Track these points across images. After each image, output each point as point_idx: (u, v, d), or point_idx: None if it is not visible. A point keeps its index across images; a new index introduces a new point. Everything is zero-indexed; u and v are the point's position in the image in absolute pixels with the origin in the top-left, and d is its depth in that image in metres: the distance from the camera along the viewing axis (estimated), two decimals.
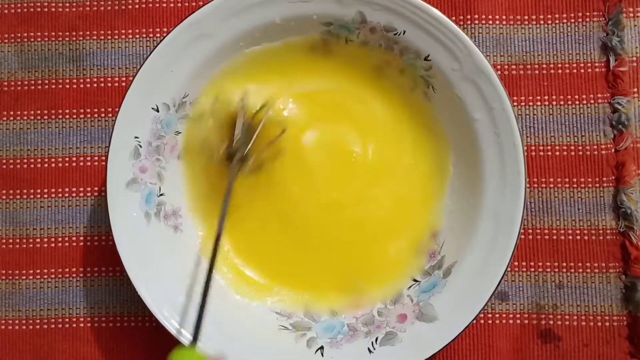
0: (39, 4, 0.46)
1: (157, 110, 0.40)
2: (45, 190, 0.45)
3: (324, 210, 0.42)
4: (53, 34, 0.46)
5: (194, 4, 0.46)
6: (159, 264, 0.40)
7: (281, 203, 0.42)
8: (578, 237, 0.43)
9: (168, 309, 0.39)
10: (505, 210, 0.39)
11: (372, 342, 0.40)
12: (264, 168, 0.42)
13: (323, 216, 0.42)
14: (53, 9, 0.46)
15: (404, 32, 0.40)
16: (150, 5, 0.46)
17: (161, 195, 0.41)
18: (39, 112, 0.46)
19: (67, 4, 0.46)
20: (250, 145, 0.41)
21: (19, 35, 0.46)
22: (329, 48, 0.42)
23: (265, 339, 0.40)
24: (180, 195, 0.42)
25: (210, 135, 0.42)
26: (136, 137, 0.40)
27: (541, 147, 0.44)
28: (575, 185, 0.43)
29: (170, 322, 0.39)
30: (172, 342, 0.39)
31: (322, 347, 0.40)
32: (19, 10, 0.47)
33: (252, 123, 0.42)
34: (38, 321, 0.44)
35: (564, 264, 0.43)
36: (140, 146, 0.40)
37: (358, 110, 0.43)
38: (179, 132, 0.42)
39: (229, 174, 0.40)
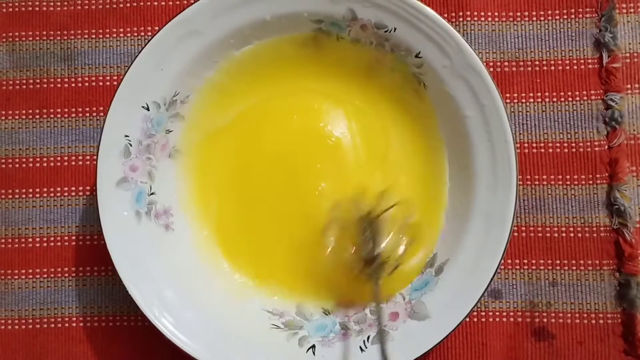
0: (30, 3, 0.46)
1: (148, 109, 0.40)
2: (37, 190, 0.45)
3: (315, 209, 0.42)
4: (44, 33, 0.46)
5: (185, 2, 0.46)
6: (150, 263, 0.40)
7: (271, 201, 0.42)
8: (572, 235, 0.43)
9: (159, 308, 0.39)
10: (497, 208, 0.39)
11: (364, 341, 0.39)
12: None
13: (315, 215, 0.42)
14: (44, 8, 0.46)
15: (395, 29, 0.40)
16: (142, 3, 0.46)
17: (152, 194, 0.41)
18: (30, 111, 0.46)
19: (59, 3, 0.46)
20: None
21: (10, 34, 0.46)
22: (320, 46, 0.42)
23: (256, 338, 0.40)
24: (172, 194, 0.42)
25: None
26: (126, 136, 0.40)
27: (534, 144, 0.44)
28: (568, 183, 0.43)
29: (160, 321, 0.39)
30: (164, 342, 0.39)
31: (313, 346, 0.40)
32: (10, 9, 0.46)
33: (373, 220, 0.39)
34: (30, 321, 0.44)
35: (558, 262, 0.43)
36: (131, 145, 0.40)
37: (349, 108, 0.43)
38: (170, 131, 0.42)
39: (372, 285, 0.39)
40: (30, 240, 0.45)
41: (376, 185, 0.41)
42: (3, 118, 0.46)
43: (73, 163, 0.45)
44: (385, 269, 0.39)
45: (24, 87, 0.46)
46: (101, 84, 0.45)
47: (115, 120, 0.39)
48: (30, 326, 0.44)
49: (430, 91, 0.41)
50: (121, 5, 0.46)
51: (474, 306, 0.38)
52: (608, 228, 0.43)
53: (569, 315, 0.42)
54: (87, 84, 0.46)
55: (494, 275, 0.38)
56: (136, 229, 0.40)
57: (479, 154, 0.39)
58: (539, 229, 0.43)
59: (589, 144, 0.43)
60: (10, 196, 0.45)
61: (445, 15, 0.44)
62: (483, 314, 0.43)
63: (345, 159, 0.42)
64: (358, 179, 0.42)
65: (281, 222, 0.42)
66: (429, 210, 0.42)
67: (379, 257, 0.38)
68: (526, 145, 0.44)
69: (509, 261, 0.43)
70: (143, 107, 0.40)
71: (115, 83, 0.45)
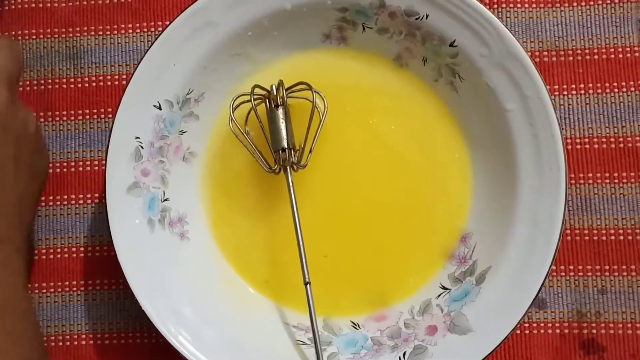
0: (33, 0, 0.44)
1: (160, 108, 0.37)
2: (43, 198, 0.42)
3: (341, 213, 0.39)
4: (49, 30, 0.44)
5: None
6: (165, 275, 0.37)
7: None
8: (621, 238, 0.40)
9: (174, 324, 0.36)
10: (544, 210, 0.36)
11: (400, 357, 0.36)
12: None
13: (341, 219, 0.39)
14: (48, 5, 0.44)
15: (427, 16, 0.37)
16: None
17: (165, 200, 0.38)
18: (34, 114, 0.43)
19: None
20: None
21: (13, 33, 0.44)
22: (345, 36, 0.39)
23: (281, 355, 0.37)
24: (187, 201, 0.39)
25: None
26: (137, 138, 0.37)
27: (578, 140, 0.41)
28: (616, 181, 0.40)
29: (177, 338, 0.36)
30: None
31: None
32: (13, 6, 0.44)
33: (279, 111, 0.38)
34: None
35: (607, 267, 0.40)
36: (142, 147, 0.37)
37: (377, 105, 0.40)
38: (184, 132, 0.39)
39: (286, 178, 0.37)
40: (35, 252, 0.42)
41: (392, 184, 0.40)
42: None
43: (80, 169, 0.42)
44: (292, 155, 0.38)
45: (28, 88, 0.43)
46: (109, 83, 0.43)
47: (125, 120, 0.37)
48: None
49: (466, 83, 0.38)
50: None
51: (522, 318, 0.35)
52: None
53: (621, 325, 0.39)
54: (94, 83, 0.43)
55: (542, 284, 0.35)
56: (149, 238, 0.37)
57: (522, 151, 0.36)
58: (586, 231, 0.40)
59: (638, 138, 0.40)
60: None
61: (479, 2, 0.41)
62: (527, 325, 0.40)
63: (374, 164, 0.40)
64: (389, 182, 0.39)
65: (309, 229, 0.39)
66: (445, 212, 0.39)
67: (285, 147, 0.37)
68: (569, 141, 0.41)
69: (554, 267, 0.40)
70: (155, 106, 0.37)
71: (124, 82, 0.43)
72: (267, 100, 0.38)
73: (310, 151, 0.38)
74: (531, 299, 0.35)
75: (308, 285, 0.36)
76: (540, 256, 0.35)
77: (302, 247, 0.36)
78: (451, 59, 0.38)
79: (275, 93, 0.38)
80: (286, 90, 0.38)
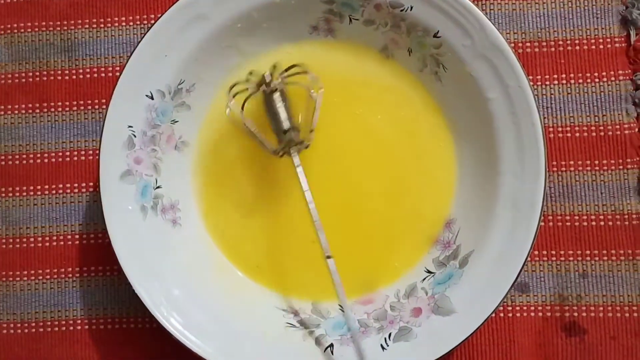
0: None
1: (152, 98, 0.38)
2: (39, 187, 0.43)
3: (330, 201, 0.40)
4: (43, 23, 0.44)
5: None
6: (157, 260, 0.38)
7: (282, 196, 0.40)
8: (602, 223, 0.41)
9: (167, 307, 0.37)
10: (524, 196, 0.36)
11: (385, 338, 0.37)
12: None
13: (330, 207, 0.40)
14: None
15: (411, 7, 0.38)
16: None
17: (158, 187, 0.39)
18: (30, 105, 0.44)
19: None
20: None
21: (9, 26, 0.45)
22: (332, 29, 0.40)
23: (270, 337, 0.38)
24: (178, 188, 0.40)
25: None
26: (130, 127, 0.38)
27: (560, 129, 0.41)
28: (597, 168, 0.41)
29: (169, 321, 0.37)
30: (173, 344, 0.37)
31: (332, 345, 0.38)
32: (9, 0, 0.45)
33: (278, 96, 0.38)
34: (34, 324, 0.42)
35: (588, 252, 0.41)
36: (135, 136, 0.38)
37: (363, 95, 0.41)
38: (176, 121, 0.40)
39: (293, 162, 0.37)
40: (31, 240, 0.43)
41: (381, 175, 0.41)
42: (2, 113, 0.44)
43: (75, 158, 0.43)
44: (297, 137, 0.38)
45: (23, 80, 0.44)
46: (103, 75, 0.44)
47: (118, 109, 0.38)
48: (34, 330, 0.42)
49: (450, 73, 0.39)
50: None
51: (503, 299, 0.36)
52: None
53: (601, 308, 0.40)
54: (88, 75, 0.44)
55: (522, 267, 0.36)
56: (142, 225, 0.38)
57: (503, 139, 0.37)
58: (567, 217, 0.41)
59: (617, 126, 0.41)
60: (10, 194, 0.43)
61: None
62: (510, 308, 0.41)
63: (361, 151, 0.41)
64: (375, 170, 0.40)
65: (292, 219, 0.40)
66: (431, 199, 0.40)
67: (289, 128, 0.37)
68: (551, 129, 0.41)
69: (536, 252, 0.41)
70: (147, 95, 0.38)
71: (118, 74, 0.43)
72: (263, 86, 0.38)
73: (311, 131, 0.38)
74: (512, 281, 0.36)
75: (330, 259, 0.36)
76: (521, 240, 0.36)
77: (317, 220, 0.36)
78: (435, 49, 0.38)
79: (270, 77, 0.38)
80: (281, 73, 0.38)
